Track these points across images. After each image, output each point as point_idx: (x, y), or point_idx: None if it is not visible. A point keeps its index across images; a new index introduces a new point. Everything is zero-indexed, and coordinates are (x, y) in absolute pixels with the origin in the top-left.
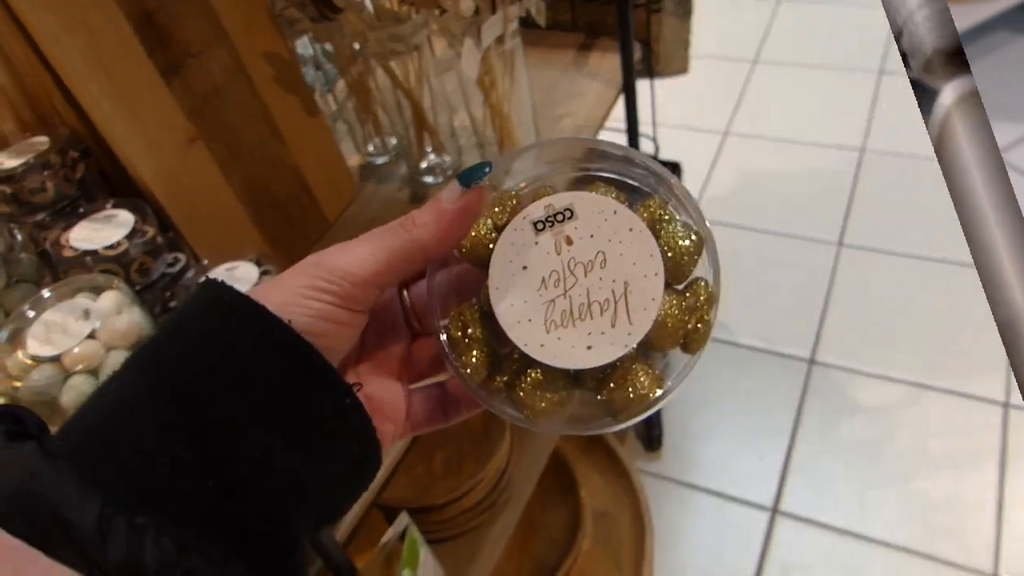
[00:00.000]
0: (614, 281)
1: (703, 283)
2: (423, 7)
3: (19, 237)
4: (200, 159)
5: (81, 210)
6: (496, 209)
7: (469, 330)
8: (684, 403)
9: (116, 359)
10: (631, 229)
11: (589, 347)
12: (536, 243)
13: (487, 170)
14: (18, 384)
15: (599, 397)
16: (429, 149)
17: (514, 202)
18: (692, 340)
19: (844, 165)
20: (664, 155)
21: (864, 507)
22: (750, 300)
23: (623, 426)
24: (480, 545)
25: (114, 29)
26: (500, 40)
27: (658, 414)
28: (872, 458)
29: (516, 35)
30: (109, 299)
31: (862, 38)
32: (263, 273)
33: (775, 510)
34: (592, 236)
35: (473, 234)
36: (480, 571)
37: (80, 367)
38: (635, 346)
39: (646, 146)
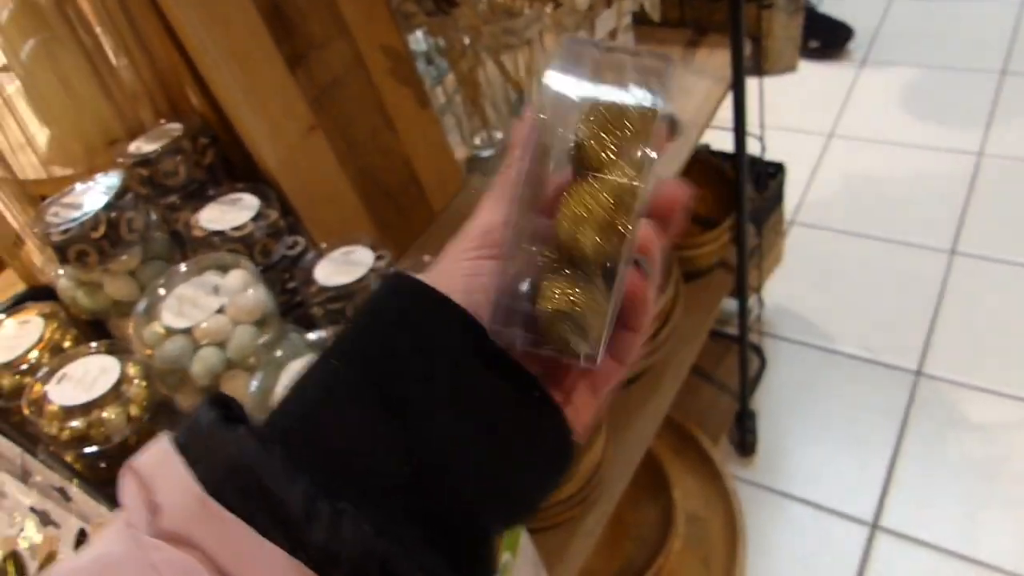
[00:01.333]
0: None
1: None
2: (538, 1)
3: (153, 217)
4: (319, 147)
5: (210, 193)
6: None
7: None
8: (780, 409)
9: (243, 334)
10: None
11: None
12: None
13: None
14: (152, 353)
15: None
16: None
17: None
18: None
19: (959, 169)
20: (768, 156)
21: (973, 528)
22: (853, 308)
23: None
24: (571, 539)
25: (247, 22)
26: (612, 34)
27: (753, 420)
28: (984, 478)
29: (629, 30)
30: (236, 277)
31: (982, 36)
32: (378, 258)
33: (875, 525)
34: None
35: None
36: (570, 564)
37: (208, 340)
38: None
39: (753, 146)
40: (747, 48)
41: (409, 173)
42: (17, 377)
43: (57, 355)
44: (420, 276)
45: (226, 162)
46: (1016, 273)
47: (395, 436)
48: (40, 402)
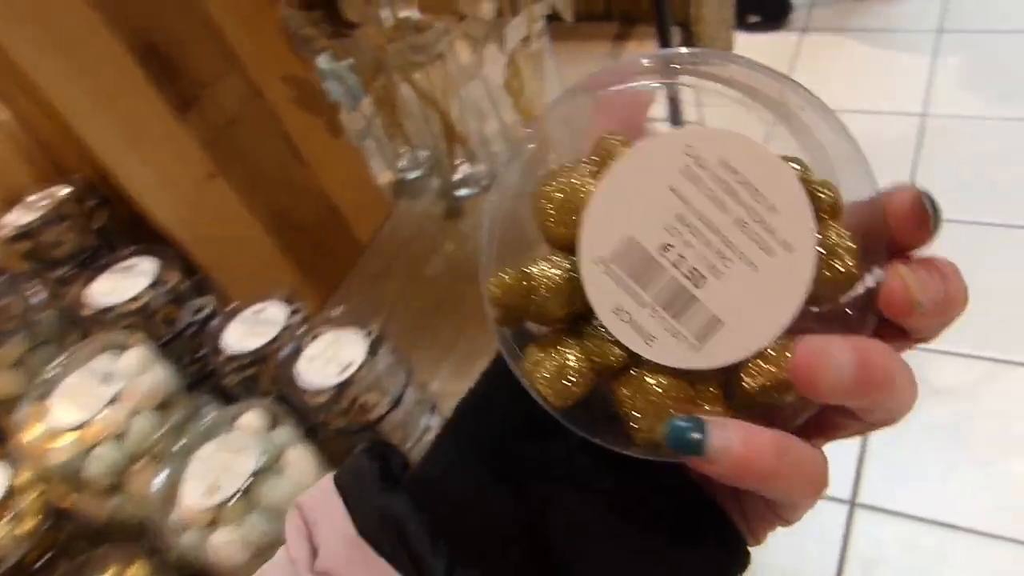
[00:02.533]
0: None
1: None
2: (440, 14)
3: (40, 296)
4: (220, 194)
5: (103, 261)
6: None
7: None
8: None
9: (142, 423)
10: None
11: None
12: None
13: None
14: (41, 457)
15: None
16: (461, 160)
17: None
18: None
19: (906, 132)
20: None
21: (947, 494)
22: None
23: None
24: None
25: (119, 69)
26: (526, 41)
27: None
28: (953, 441)
29: (543, 34)
30: (131, 358)
31: None
32: (293, 313)
33: (853, 503)
34: None
35: None
36: None
37: (104, 435)
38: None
39: None
40: (678, 36)
41: (327, 207)
42: None
43: None
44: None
45: (124, 222)
46: (974, 232)
47: (526, 525)
48: None
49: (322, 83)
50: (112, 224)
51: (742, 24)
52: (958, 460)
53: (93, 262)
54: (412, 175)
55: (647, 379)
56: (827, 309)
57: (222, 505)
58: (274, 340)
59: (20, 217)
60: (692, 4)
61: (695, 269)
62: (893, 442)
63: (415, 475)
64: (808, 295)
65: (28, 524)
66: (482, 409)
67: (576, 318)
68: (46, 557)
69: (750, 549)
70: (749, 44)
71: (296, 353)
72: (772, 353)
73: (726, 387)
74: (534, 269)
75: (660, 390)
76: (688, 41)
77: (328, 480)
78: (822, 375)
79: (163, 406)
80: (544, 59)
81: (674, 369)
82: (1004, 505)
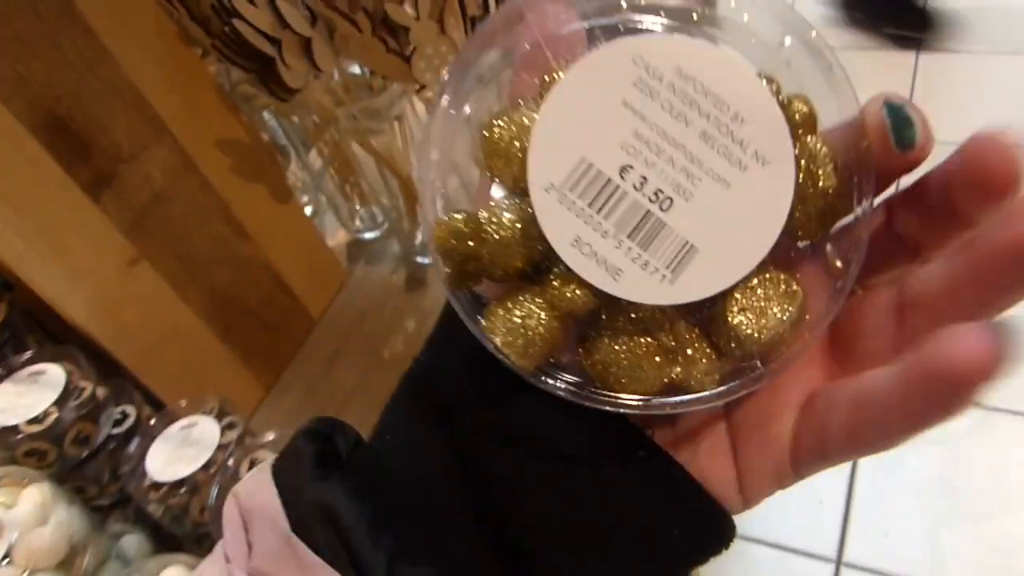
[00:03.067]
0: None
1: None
2: (396, 80)
3: None
4: (145, 281)
5: (1, 366)
6: None
7: None
8: None
9: None
10: None
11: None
12: None
13: None
14: None
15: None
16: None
17: None
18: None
19: None
20: None
21: (937, 550)
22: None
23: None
24: None
25: (17, 149)
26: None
27: None
28: (943, 495)
29: None
30: (28, 503)
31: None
32: (226, 428)
33: (839, 562)
34: None
35: None
36: None
37: None
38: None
39: None
40: None
41: (274, 281)
42: None
43: None
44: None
45: (27, 314)
46: None
47: (478, 505)
48: None
49: (264, 129)
50: (16, 316)
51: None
52: (947, 514)
53: None
54: (369, 235)
55: (619, 325)
56: (809, 242)
57: None
58: (206, 465)
59: None
60: None
61: (660, 191)
62: (880, 496)
63: (360, 456)
64: (790, 213)
65: None
66: (431, 379)
67: (537, 268)
68: None
69: (735, 519)
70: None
71: (233, 479)
72: (758, 283)
73: (711, 326)
74: (485, 212)
75: (634, 334)
76: None
77: (266, 466)
78: None
79: (66, 561)
80: None
81: (648, 307)
82: (999, 563)
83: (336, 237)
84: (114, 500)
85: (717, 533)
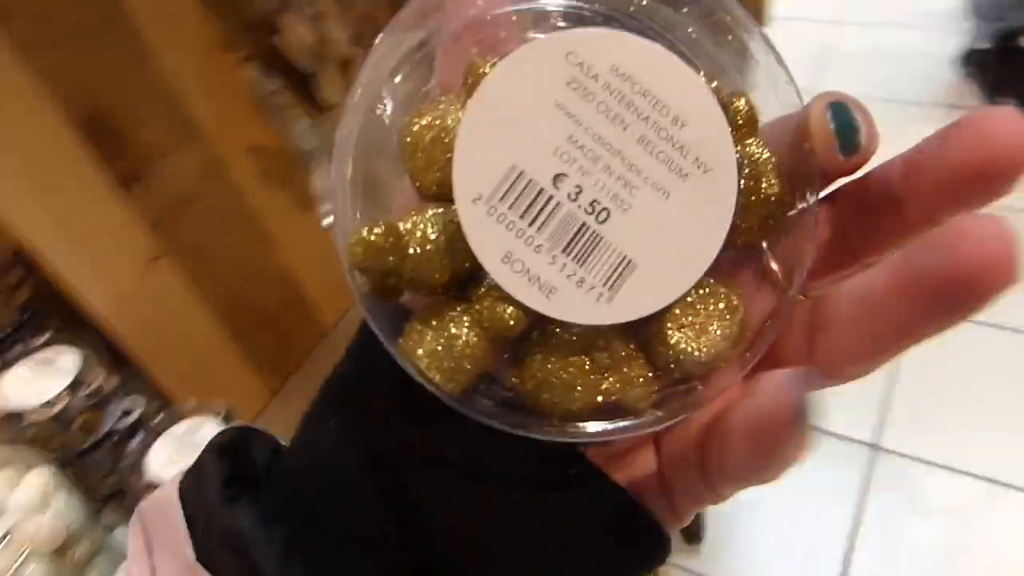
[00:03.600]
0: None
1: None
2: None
3: None
4: (165, 280)
5: (20, 347)
6: None
7: None
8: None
9: (35, 572)
10: None
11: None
12: None
13: None
14: None
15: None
16: None
17: None
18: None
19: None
20: None
21: None
22: None
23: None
24: None
25: (57, 140)
26: None
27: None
28: (944, 569)
29: None
30: (31, 487)
31: None
32: None
33: None
34: None
35: None
36: None
37: None
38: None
39: None
40: None
41: (290, 289)
42: None
43: None
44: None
45: (47, 300)
46: (978, 332)
47: (402, 528)
48: None
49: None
50: (37, 300)
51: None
52: None
53: (10, 346)
54: None
55: (552, 342)
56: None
57: None
58: None
59: None
60: None
61: (596, 201)
62: (882, 556)
63: (277, 472)
64: (732, 222)
65: None
66: (354, 392)
67: (463, 282)
68: None
69: (671, 535)
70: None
71: None
72: (698, 298)
73: (649, 344)
74: (406, 223)
75: (569, 355)
76: None
77: (173, 484)
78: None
79: (61, 550)
80: None
81: (583, 327)
82: None
83: None
84: (111, 491)
85: (653, 549)
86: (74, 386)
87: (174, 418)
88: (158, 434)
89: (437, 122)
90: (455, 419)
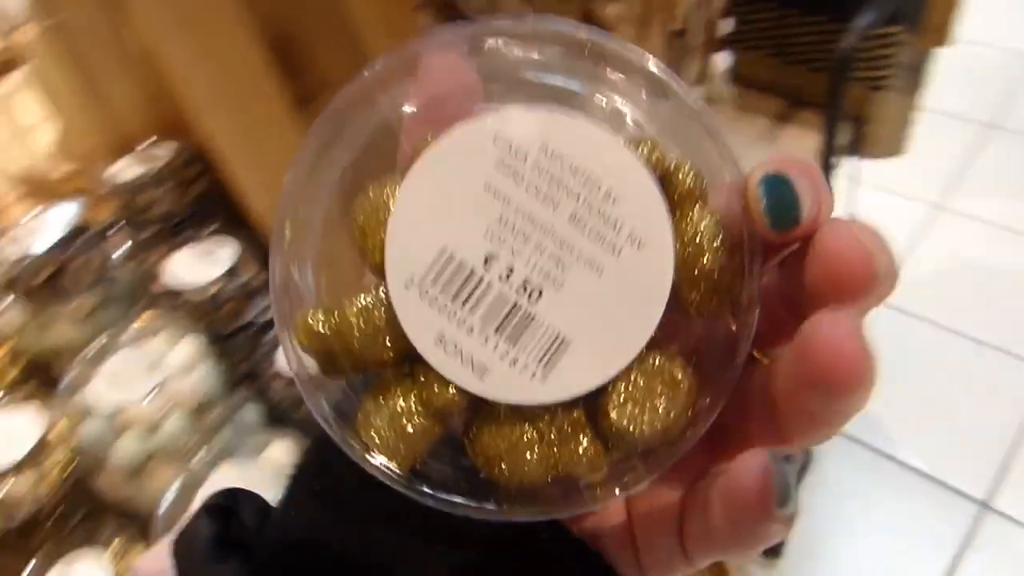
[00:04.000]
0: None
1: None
2: None
3: (122, 254)
4: None
5: (188, 232)
6: None
7: None
8: (818, 512)
9: (175, 424)
10: None
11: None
12: None
13: None
14: (75, 427)
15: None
16: None
17: None
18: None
19: None
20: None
21: None
22: (926, 413)
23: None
24: None
25: (246, 58)
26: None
27: None
28: None
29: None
30: (182, 352)
31: None
32: None
33: None
34: None
35: None
36: None
37: (134, 426)
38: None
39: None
40: (847, 131)
41: None
42: None
43: None
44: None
45: (217, 197)
46: None
47: None
48: None
49: None
50: (208, 195)
51: None
52: None
53: (179, 231)
54: None
55: (497, 417)
56: (704, 318)
57: None
58: None
59: (124, 170)
60: (871, 101)
61: (527, 281)
62: None
63: (267, 532)
64: (680, 294)
65: (49, 482)
66: (333, 463)
67: (409, 359)
68: (57, 515)
69: None
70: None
71: None
72: (639, 373)
73: (595, 419)
74: (356, 303)
75: (514, 423)
76: (857, 139)
77: (164, 546)
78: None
79: (200, 409)
80: None
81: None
82: None
83: None
84: (244, 375)
85: None
86: (229, 275)
87: None
88: None
89: (376, 198)
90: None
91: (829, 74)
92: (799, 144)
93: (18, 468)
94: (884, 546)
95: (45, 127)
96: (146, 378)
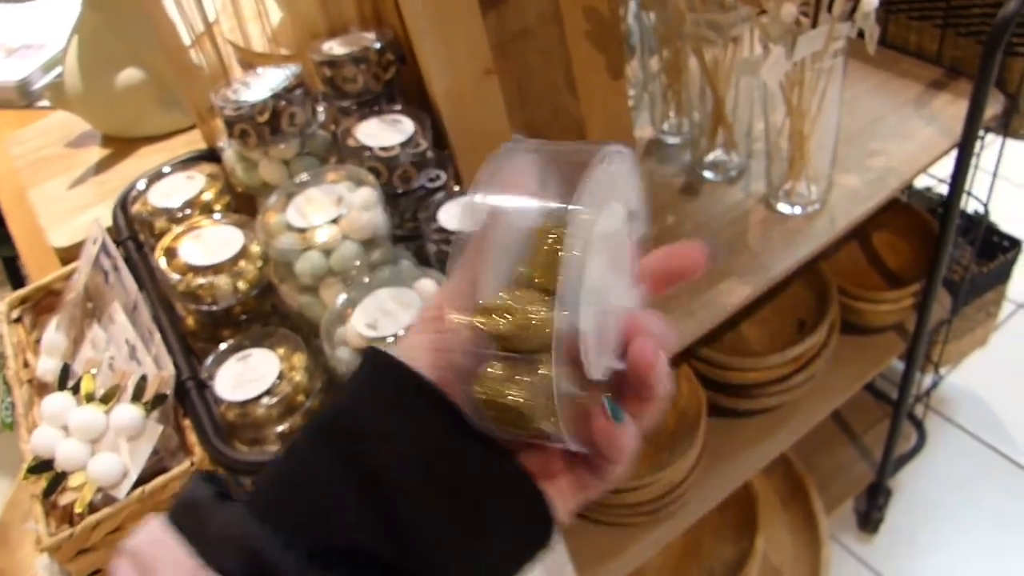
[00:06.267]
0: None
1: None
2: (746, 3)
3: (321, 115)
4: (490, 92)
5: (378, 107)
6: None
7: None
8: (922, 497)
9: (347, 249)
10: None
11: None
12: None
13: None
14: (270, 240)
15: None
16: (720, 145)
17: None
18: None
19: None
20: (1002, 225)
21: None
22: None
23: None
24: (628, 544)
25: None
26: (818, 55)
27: (887, 497)
28: None
29: (839, 55)
30: (361, 195)
31: None
32: None
33: None
34: None
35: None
36: (621, 567)
37: (317, 245)
38: None
39: (975, 210)
40: (999, 105)
41: (579, 137)
42: (168, 223)
43: (206, 213)
44: (394, 351)
45: (406, 82)
46: None
47: (376, 515)
48: (173, 252)
49: (625, 23)
50: (398, 80)
51: None
52: None
53: (371, 105)
54: (670, 140)
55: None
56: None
57: (373, 340)
58: None
59: (333, 48)
60: None
61: None
62: None
63: (261, 485)
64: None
65: (242, 285)
66: (338, 421)
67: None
68: (248, 312)
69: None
70: None
71: None
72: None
73: None
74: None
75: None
76: (1009, 111)
77: (158, 522)
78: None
79: (369, 243)
80: (832, 81)
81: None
82: None
83: (642, 131)
84: (403, 234)
85: (549, 534)
86: (405, 144)
87: (464, 192)
88: (452, 199)
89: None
90: (427, 437)
91: (985, 43)
92: (948, 111)
93: (222, 268)
94: (986, 541)
95: (273, 13)
96: (330, 210)
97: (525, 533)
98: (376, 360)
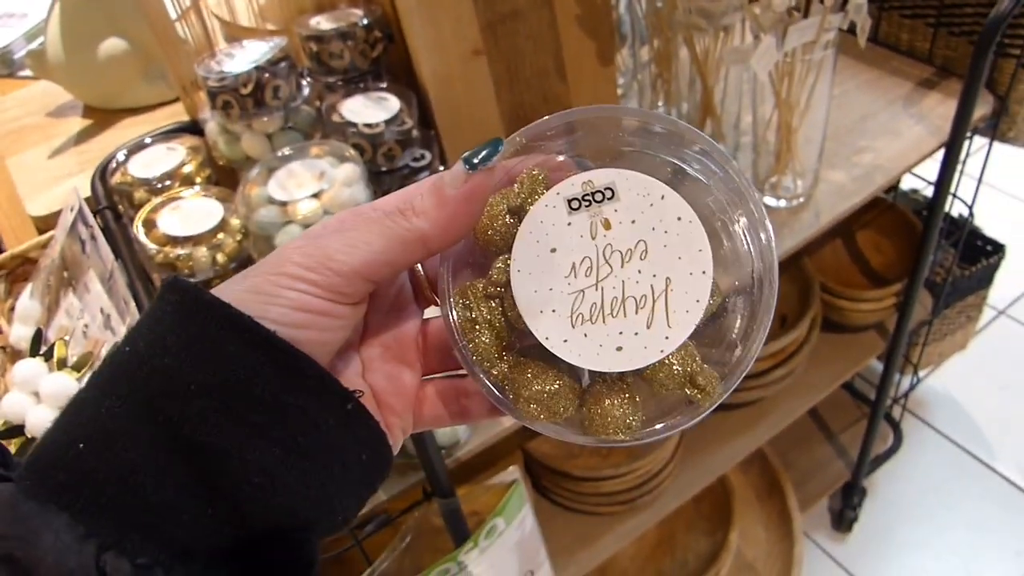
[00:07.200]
0: (655, 276)
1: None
2: None
3: (305, 91)
4: (478, 73)
5: (364, 84)
6: (516, 188)
7: (478, 311)
8: (897, 498)
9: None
10: (680, 218)
11: (619, 348)
12: (569, 224)
13: (499, 148)
14: (249, 213)
15: (580, 407)
16: (708, 135)
17: (540, 178)
18: (700, 386)
19: None
20: (986, 230)
21: None
22: None
23: (593, 443)
24: (602, 533)
25: None
26: (809, 46)
27: (862, 497)
28: None
29: (830, 47)
30: (344, 171)
31: None
32: None
33: None
34: (634, 221)
35: (485, 219)
36: (594, 556)
37: (297, 219)
38: (672, 351)
39: (959, 212)
40: (988, 105)
41: None
42: (147, 194)
43: (187, 185)
44: (215, 290)
45: (393, 60)
46: None
47: (190, 476)
48: (151, 223)
49: (616, 12)
50: (385, 58)
51: None
52: None
53: (357, 82)
54: (657, 128)
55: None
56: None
57: None
58: None
59: (320, 23)
60: (1019, 78)
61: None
62: None
63: (38, 461)
64: None
65: (221, 258)
66: (135, 372)
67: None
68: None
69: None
70: None
71: None
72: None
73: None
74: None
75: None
76: (998, 113)
77: None
78: None
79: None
80: (822, 73)
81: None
82: None
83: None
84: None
85: (388, 466)
86: (390, 122)
87: None
88: None
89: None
90: (246, 380)
91: (977, 43)
92: (937, 110)
93: (201, 239)
94: (959, 543)
95: None
96: (312, 184)
97: (366, 471)
98: (175, 291)
